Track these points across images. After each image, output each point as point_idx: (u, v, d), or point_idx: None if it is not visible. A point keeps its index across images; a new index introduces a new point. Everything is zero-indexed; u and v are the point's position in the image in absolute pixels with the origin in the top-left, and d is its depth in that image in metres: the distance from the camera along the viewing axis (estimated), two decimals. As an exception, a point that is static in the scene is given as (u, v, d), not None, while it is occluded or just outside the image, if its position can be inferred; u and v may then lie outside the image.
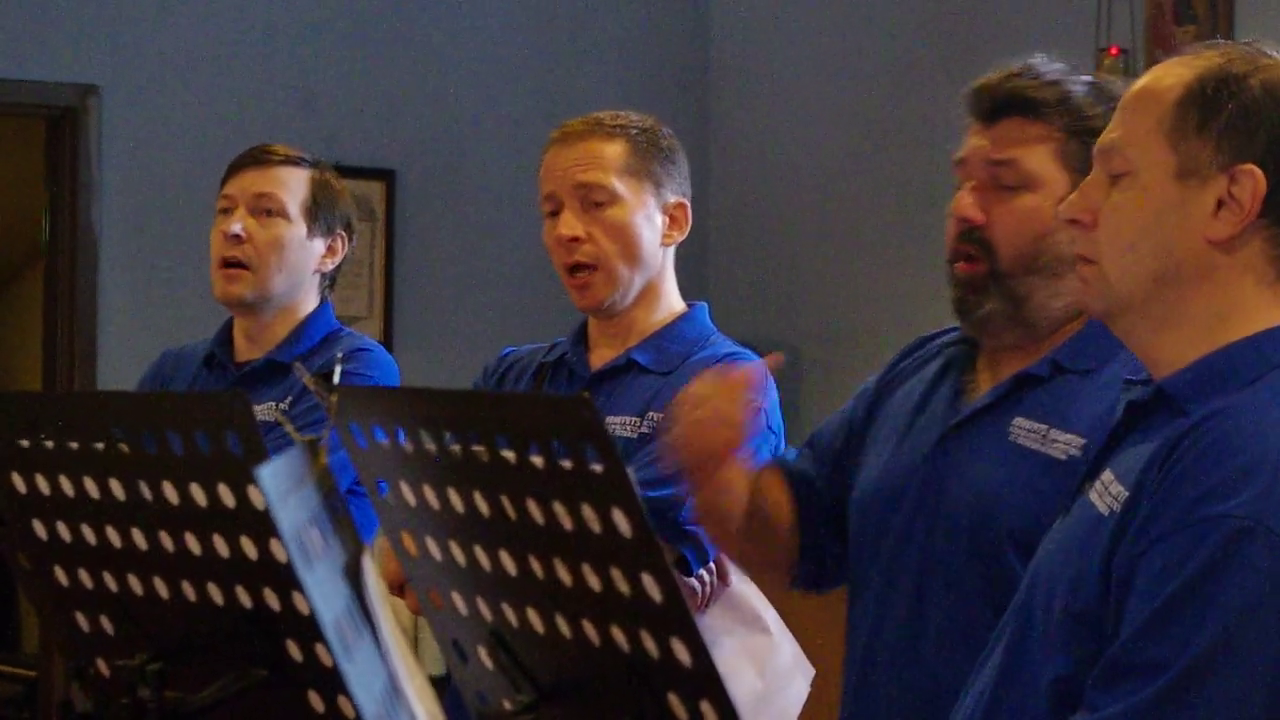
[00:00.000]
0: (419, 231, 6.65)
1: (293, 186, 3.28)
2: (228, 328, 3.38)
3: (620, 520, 1.50)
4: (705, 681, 1.52)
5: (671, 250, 2.97)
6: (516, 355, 3.09)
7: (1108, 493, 1.81)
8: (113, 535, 1.85)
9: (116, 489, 1.82)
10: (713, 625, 2.85)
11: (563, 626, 1.62)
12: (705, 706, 1.53)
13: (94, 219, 6.15)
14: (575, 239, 2.88)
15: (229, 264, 3.26)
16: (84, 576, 1.92)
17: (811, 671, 2.93)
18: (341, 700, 1.77)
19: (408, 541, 1.76)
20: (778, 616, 2.93)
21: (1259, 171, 1.80)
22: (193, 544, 1.79)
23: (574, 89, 6.72)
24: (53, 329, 6.26)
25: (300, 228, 3.27)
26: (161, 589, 1.85)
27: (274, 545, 1.71)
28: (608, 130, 2.91)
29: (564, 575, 1.58)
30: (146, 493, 1.79)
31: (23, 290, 8.06)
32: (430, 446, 1.62)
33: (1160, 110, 1.85)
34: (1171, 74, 1.87)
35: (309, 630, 1.72)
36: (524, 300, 6.53)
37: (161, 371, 3.43)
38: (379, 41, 6.57)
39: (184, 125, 6.24)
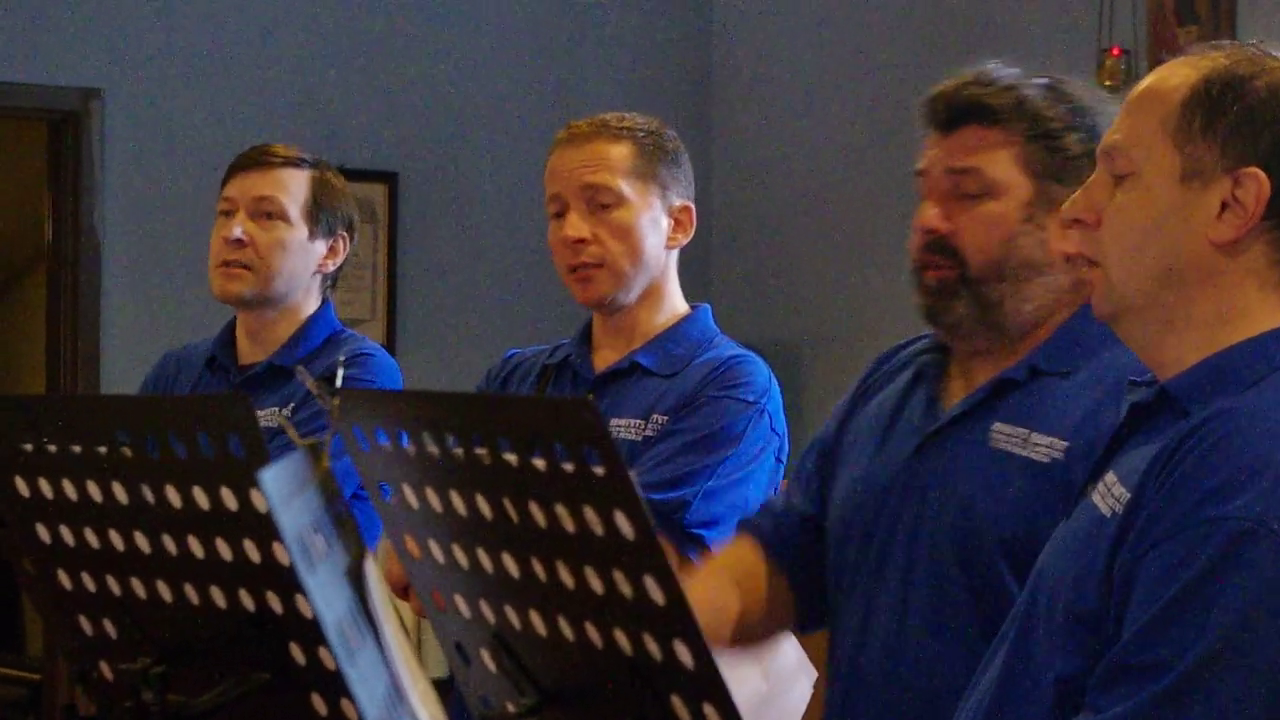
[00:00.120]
0: (422, 234, 6.66)
1: (293, 189, 3.27)
2: (230, 328, 3.38)
3: (623, 522, 1.50)
4: (708, 683, 1.52)
5: (675, 253, 2.97)
6: (520, 357, 3.09)
7: (1110, 494, 1.81)
8: (116, 538, 1.85)
9: (119, 492, 1.82)
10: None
11: (565, 629, 1.62)
12: (708, 709, 1.53)
13: (97, 222, 6.16)
14: (581, 240, 2.88)
15: (229, 264, 3.26)
16: (87, 580, 1.92)
17: (814, 673, 2.93)
18: (344, 703, 1.77)
19: (410, 544, 1.76)
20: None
21: (1263, 174, 1.80)
22: (195, 547, 1.79)
23: (577, 91, 6.72)
24: (56, 332, 6.27)
25: (301, 230, 3.27)
26: (164, 592, 1.85)
27: (277, 548, 1.71)
28: (614, 132, 2.91)
29: (566, 578, 1.58)
30: (149, 496, 1.79)
31: (26, 293, 8.06)
32: (433, 449, 1.62)
33: (1165, 111, 1.85)
34: (1176, 75, 1.86)
35: (312, 633, 1.72)
36: (527, 302, 6.54)
37: (164, 374, 3.42)
38: (381, 44, 6.58)
39: (186, 128, 6.24)
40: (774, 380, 2.90)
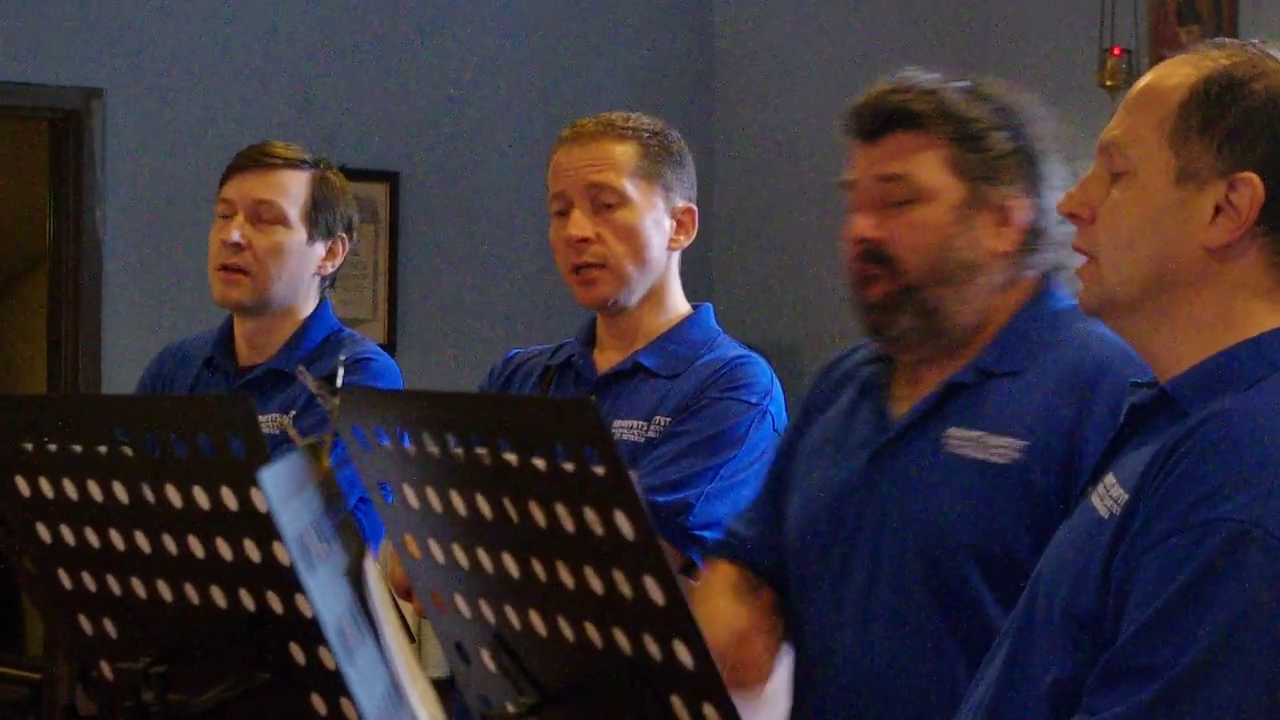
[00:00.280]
0: (423, 234, 6.66)
1: (293, 192, 3.26)
2: (227, 329, 3.37)
3: (623, 523, 1.50)
4: (708, 683, 1.52)
5: (677, 254, 2.97)
6: (523, 357, 3.08)
7: (1109, 495, 1.81)
8: (116, 538, 1.86)
9: (120, 492, 1.82)
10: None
11: (565, 629, 1.62)
12: (708, 709, 1.53)
13: (98, 221, 6.16)
14: (584, 239, 2.87)
15: (227, 269, 3.25)
16: (87, 579, 1.92)
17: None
18: (344, 703, 1.77)
19: (411, 544, 1.76)
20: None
21: (1258, 180, 1.80)
22: (196, 547, 1.79)
23: (578, 92, 6.72)
24: (57, 331, 6.27)
25: (300, 233, 3.25)
26: (165, 592, 1.85)
27: (277, 548, 1.72)
28: (620, 132, 2.91)
29: (566, 578, 1.58)
30: (149, 495, 1.79)
31: (27, 293, 8.06)
32: (433, 449, 1.62)
33: (1163, 111, 1.84)
34: (1176, 74, 1.86)
35: (312, 633, 1.72)
36: (528, 303, 6.54)
37: (162, 370, 3.41)
38: (382, 43, 6.57)
39: (188, 128, 6.24)
40: (776, 381, 2.90)
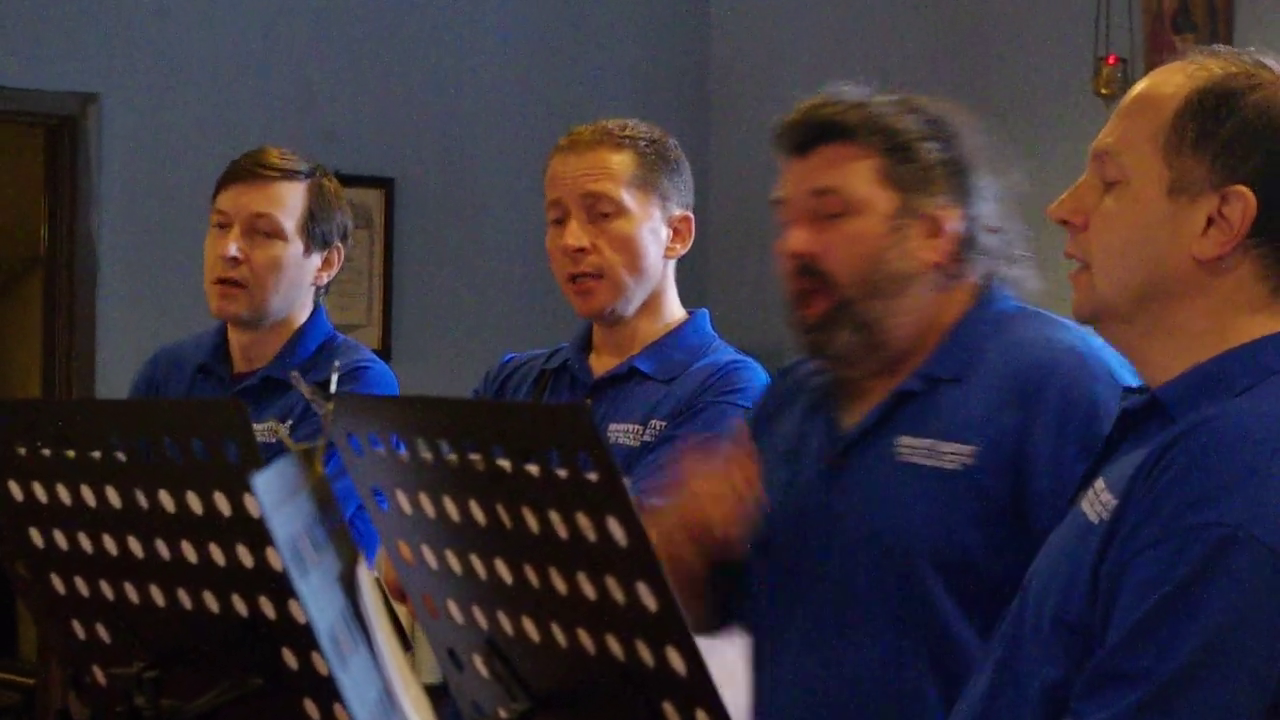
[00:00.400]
0: (418, 239, 6.66)
1: (289, 205, 3.24)
2: (222, 335, 3.36)
3: (615, 529, 1.50)
4: (700, 690, 1.52)
5: (673, 262, 2.97)
6: (518, 361, 3.08)
7: (1098, 501, 1.81)
8: (109, 543, 1.85)
9: (113, 497, 1.82)
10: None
11: (558, 635, 1.62)
12: (700, 715, 1.53)
13: (93, 227, 6.16)
14: (581, 249, 2.87)
15: (223, 282, 3.24)
16: (80, 584, 1.92)
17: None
18: (337, 708, 1.77)
19: (404, 550, 1.76)
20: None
21: (1250, 194, 1.80)
22: (189, 552, 1.79)
23: (574, 98, 6.72)
24: (51, 336, 6.26)
25: (297, 246, 3.24)
26: (158, 597, 1.85)
27: (270, 554, 1.72)
28: (617, 140, 2.91)
29: (559, 584, 1.58)
30: (143, 501, 1.79)
31: (22, 298, 8.06)
32: (426, 455, 1.62)
33: (1158, 121, 1.85)
34: (1170, 82, 1.86)
35: (305, 638, 1.72)
36: (523, 308, 6.54)
37: (154, 375, 3.41)
38: (378, 49, 6.58)
39: (183, 134, 6.24)
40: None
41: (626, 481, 1.52)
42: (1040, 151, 5.84)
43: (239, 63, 6.34)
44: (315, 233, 3.25)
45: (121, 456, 1.79)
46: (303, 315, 3.30)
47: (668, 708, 1.55)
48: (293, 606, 1.73)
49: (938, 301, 2.35)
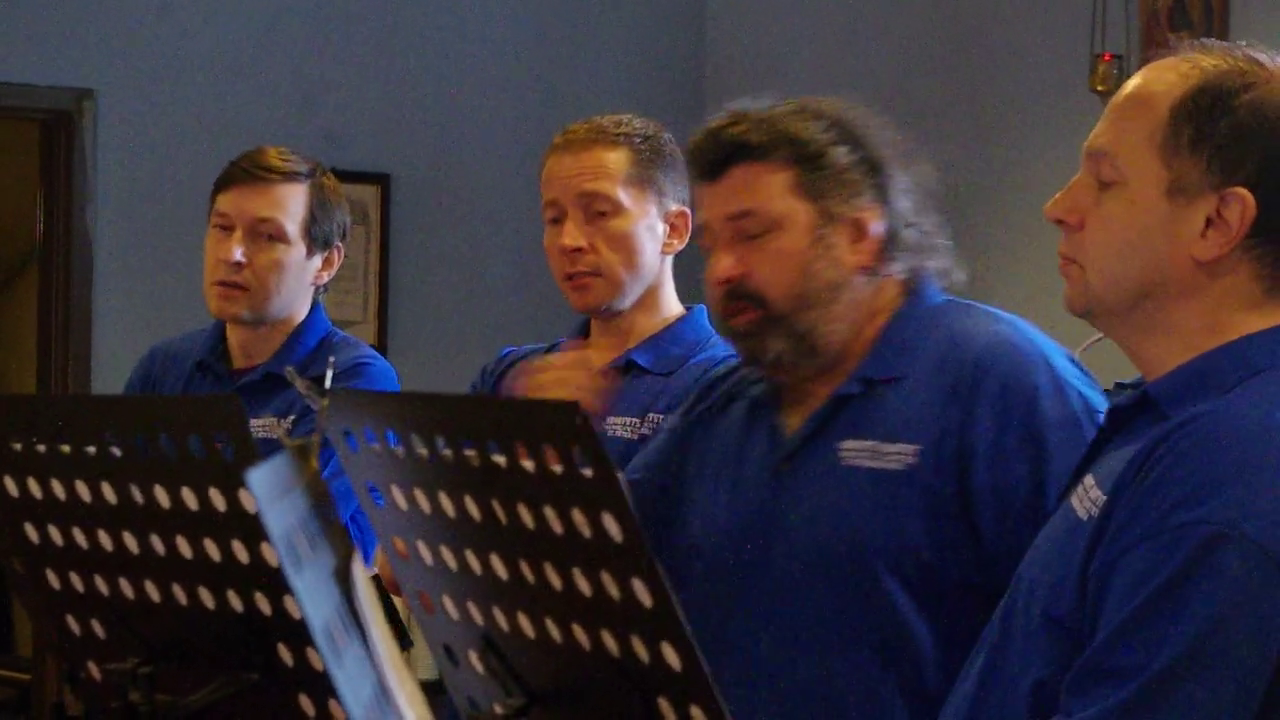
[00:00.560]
0: (414, 236, 6.65)
1: (291, 207, 3.24)
2: (220, 331, 3.36)
3: (610, 525, 1.50)
4: (695, 686, 1.52)
5: (670, 257, 2.97)
6: (516, 355, 3.09)
7: (1087, 497, 1.81)
8: (104, 539, 1.85)
9: (108, 492, 1.82)
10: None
11: (553, 631, 1.62)
12: (695, 711, 1.53)
13: (89, 222, 6.15)
14: (578, 249, 2.88)
15: (225, 284, 3.24)
16: (76, 580, 1.91)
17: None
18: (332, 704, 1.77)
19: (399, 545, 1.76)
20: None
21: (1249, 196, 1.80)
22: (184, 547, 1.79)
23: (570, 94, 6.72)
24: (47, 332, 6.26)
25: (299, 248, 3.25)
26: (153, 592, 1.85)
27: (265, 549, 1.71)
28: (611, 138, 2.90)
29: (554, 579, 1.58)
30: (138, 496, 1.79)
31: (17, 294, 8.05)
32: (422, 450, 1.62)
33: (1153, 122, 1.84)
34: (1163, 80, 1.86)
35: (300, 634, 1.72)
36: (520, 304, 6.54)
37: (151, 371, 3.41)
38: (374, 46, 6.57)
39: (179, 129, 6.24)
40: None
41: (620, 477, 1.52)
42: (1036, 148, 5.85)
43: (235, 58, 6.34)
44: (317, 234, 3.25)
45: (117, 452, 1.79)
46: (302, 313, 3.31)
47: (663, 703, 1.55)
48: (288, 602, 1.73)
49: (869, 302, 2.36)
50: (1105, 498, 1.77)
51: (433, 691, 1.88)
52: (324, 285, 3.34)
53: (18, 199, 7.31)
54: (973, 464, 2.24)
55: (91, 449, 1.81)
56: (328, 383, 1.79)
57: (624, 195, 2.88)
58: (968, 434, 2.25)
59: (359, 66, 6.54)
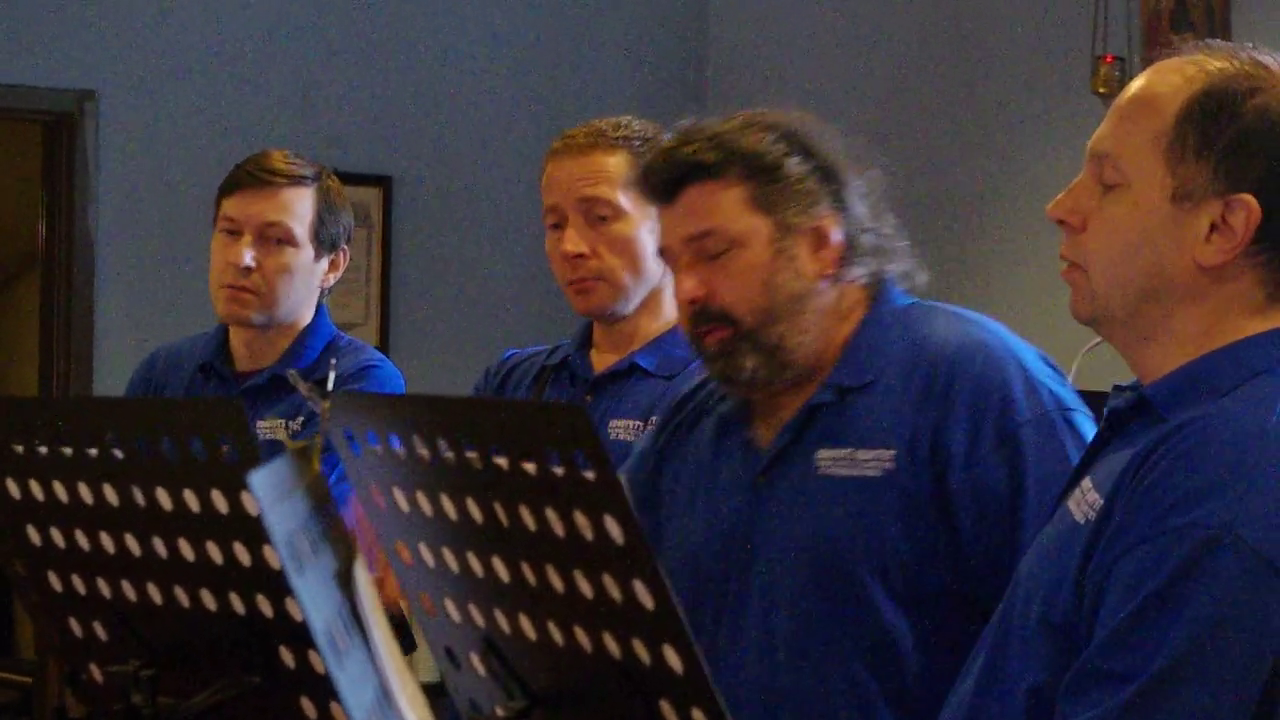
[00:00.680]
0: (416, 238, 6.66)
1: (299, 211, 3.25)
2: (223, 334, 3.37)
3: (612, 527, 1.50)
4: (697, 688, 1.52)
5: (673, 259, 2.97)
6: (519, 357, 3.09)
7: (1084, 501, 1.81)
8: (106, 541, 1.85)
9: (110, 494, 1.82)
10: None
11: (555, 633, 1.62)
12: (697, 713, 1.53)
13: (90, 224, 6.16)
14: (580, 255, 2.88)
15: (234, 288, 3.24)
16: (78, 582, 1.92)
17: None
18: (334, 707, 1.77)
19: (401, 548, 1.76)
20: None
21: (1254, 202, 1.80)
22: (186, 550, 1.79)
23: (572, 96, 6.72)
24: (49, 334, 6.26)
25: (308, 251, 3.26)
26: (155, 595, 1.85)
27: (267, 551, 1.72)
28: (610, 142, 2.90)
29: (556, 582, 1.58)
30: (140, 498, 1.79)
31: (19, 295, 8.06)
32: (423, 453, 1.62)
33: (1158, 126, 1.83)
34: (1167, 83, 1.85)
35: (302, 637, 1.72)
36: (522, 306, 6.54)
37: (152, 374, 3.41)
38: (375, 47, 6.58)
39: (181, 131, 6.24)
40: None
41: (622, 480, 1.52)
42: (1037, 150, 5.85)
43: (237, 60, 6.34)
44: (324, 237, 3.26)
45: (119, 454, 1.79)
46: (308, 316, 3.31)
47: (664, 706, 1.55)
48: (290, 605, 1.73)
49: (834, 309, 2.36)
50: (1102, 501, 1.77)
51: (434, 694, 1.88)
52: (328, 288, 3.34)
53: (19, 200, 7.32)
54: (949, 465, 2.24)
55: (93, 451, 1.81)
56: (330, 385, 1.79)
57: (624, 199, 2.88)
58: (942, 436, 2.25)
59: (361, 68, 6.54)
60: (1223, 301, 1.82)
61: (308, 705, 1.80)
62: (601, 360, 2.96)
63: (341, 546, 1.74)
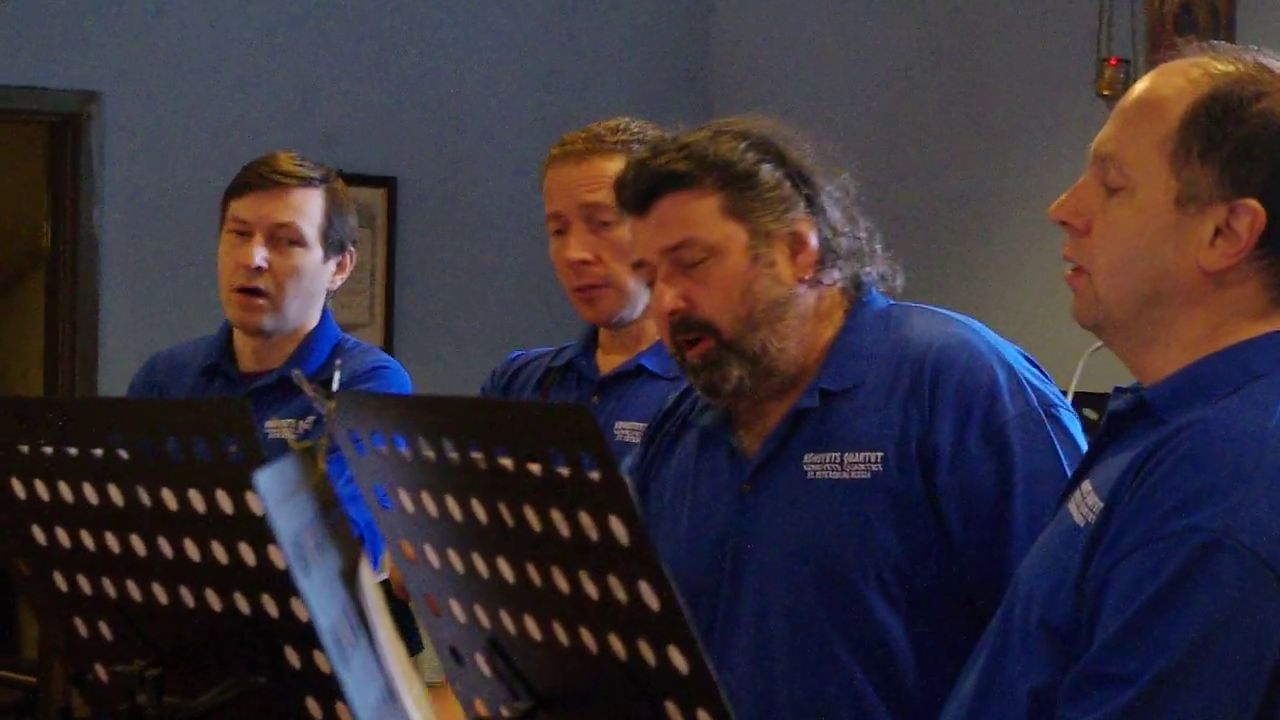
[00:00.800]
0: (420, 238, 6.66)
1: (310, 212, 3.25)
2: (227, 336, 3.37)
3: (617, 528, 1.50)
4: (702, 689, 1.52)
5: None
6: (524, 359, 3.09)
7: (1084, 504, 1.81)
8: (111, 541, 1.86)
9: (115, 495, 1.82)
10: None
11: (560, 634, 1.62)
12: (702, 714, 1.53)
13: (95, 224, 6.16)
14: (585, 262, 2.88)
15: (245, 291, 3.24)
16: (83, 582, 1.92)
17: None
18: (339, 707, 1.77)
19: (406, 548, 1.76)
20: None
21: (1260, 208, 1.80)
22: (191, 550, 1.79)
23: (576, 96, 6.73)
24: (54, 334, 6.27)
25: (317, 252, 3.26)
26: (160, 595, 1.85)
27: (272, 551, 1.72)
28: (609, 147, 2.90)
29: (561, 583, 1.58)
30: (145, 498, 1.79)
31: (24, 296, 8.06)
32: (429, 454, 1.62)
33: (1163, 130, 1.83)
34: (1172, 86, 1.85)
35: (307, 637, 1.72)
36: (525, 307, 6.54)
37: (153, 378, 3.41)
38: (381, 48, 6.58)
39: (185, 131, 6.24)
40: None
41: (628, 480, 1.52)
42: (1041, 152, 5.85)
43: (242, 60, 6.35)
44: (332, 238, 3.27)
45: (124, 454, 1.80)
46: (314, 319, 3.32)
47: (670, 707, 1.55)
48: (295, 604, 1.73)
49: (814, 315, 2.37)
50: (1102, 504, 1.77)
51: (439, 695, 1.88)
52: (333, 291, 3.35)
53: (25, 201, 7.32)
54: (936, 465, 2.25)
55: (99, 451, 1.81)
56: (335, 386, 1.79)
57: None
58: (930, 435, 2.26)
59: (366, 69, 6.55)
60: (1226, 306, 1.82)
61: (313, 705, 1.80)
62: (607, 362, 2.96)
63: (347, 546, 1.74)
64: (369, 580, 1.75)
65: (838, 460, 2.30)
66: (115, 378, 6.05)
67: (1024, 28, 6.02)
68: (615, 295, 2.89)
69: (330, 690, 1.74)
